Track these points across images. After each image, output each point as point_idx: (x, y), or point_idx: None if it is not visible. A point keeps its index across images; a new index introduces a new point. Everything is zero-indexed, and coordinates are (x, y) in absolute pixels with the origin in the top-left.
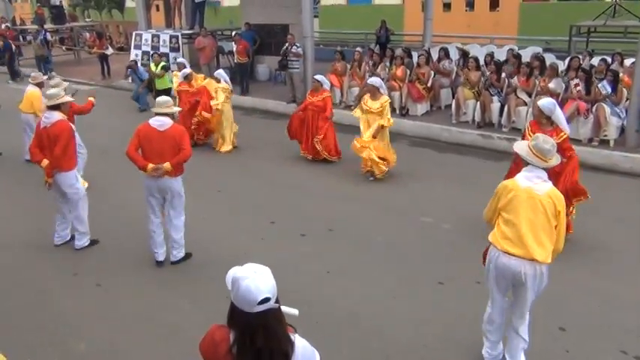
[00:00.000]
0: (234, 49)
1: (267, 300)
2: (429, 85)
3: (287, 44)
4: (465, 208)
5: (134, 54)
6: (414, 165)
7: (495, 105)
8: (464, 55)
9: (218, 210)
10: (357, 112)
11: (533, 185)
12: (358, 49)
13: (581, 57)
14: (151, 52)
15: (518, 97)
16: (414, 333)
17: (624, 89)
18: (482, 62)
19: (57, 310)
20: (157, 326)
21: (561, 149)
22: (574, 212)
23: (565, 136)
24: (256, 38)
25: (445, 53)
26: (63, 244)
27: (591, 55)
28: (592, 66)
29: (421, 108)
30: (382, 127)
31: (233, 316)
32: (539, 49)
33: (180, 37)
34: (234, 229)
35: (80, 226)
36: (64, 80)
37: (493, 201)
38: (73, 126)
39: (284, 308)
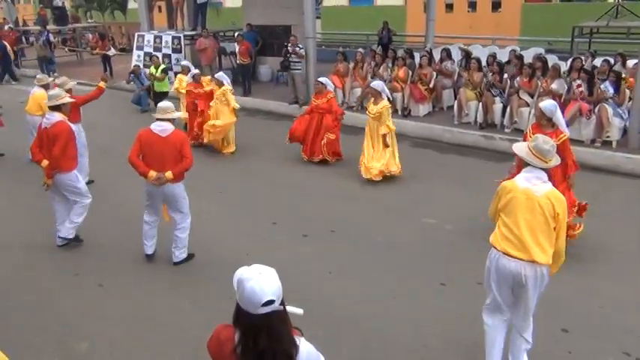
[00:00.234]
0: (237, 50)
1: (271, 302)
2: (431, 85)
3: (289, 44)
4: (467, 209)
5: (136, 55)
6: (415, 166)
7: (497, 106)
8: (466, 55)
9: (219, 211)
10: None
11: (531, 186)
12: (360, 50)
13: (583, 58)
14: (151, 55)
15: (520, 98)
16: (414, 333)
17: (627, 90)
18: (484, 63)
19: (58, 310)
20: (158, 326)
21: (561, 151)
22: (581, 227)
23: (565, 138)
24: (258, 39)
25: (447, 54)
26: (64, 244)
27: (594, 55)
28: (594, 67)
29: (423, 109)
30: (384, 135)
31: (238, 317)
32: (541, 50)
33: (182, 38)
34: (235, 230)
35: (76, 217)
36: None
37: (494, 201)
38: (76, 126)
39: (288, 308)
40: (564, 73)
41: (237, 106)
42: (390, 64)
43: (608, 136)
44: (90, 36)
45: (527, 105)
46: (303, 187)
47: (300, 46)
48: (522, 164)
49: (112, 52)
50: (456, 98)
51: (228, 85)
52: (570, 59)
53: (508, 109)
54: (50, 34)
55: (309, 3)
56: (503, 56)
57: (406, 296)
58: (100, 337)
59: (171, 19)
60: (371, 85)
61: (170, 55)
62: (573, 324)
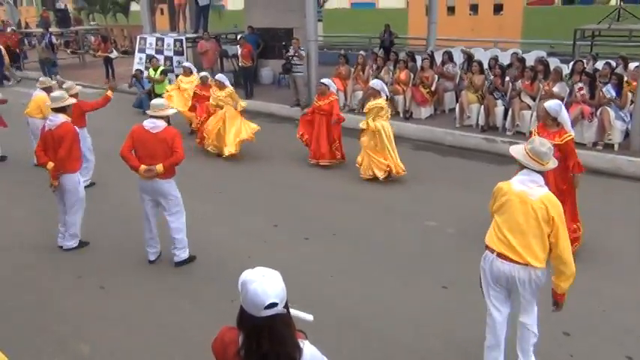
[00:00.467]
0: (239, 52)
1: (274, 305)
2: (432, 88)
3: (291, 47)
4: (469, 212)
5: (138, 57)
6: (417, 168)
7: (499, 109)
8: (468, 58)
9: (220, 211)
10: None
11: (527, 190)
12: (362, 52)
13: (585, 61)
14: (151, 57)
15: (522, 101)
16: (414, 333)
17: (629, 93)
18: (486, 66)
19: (58, 311)
20: (158, 327)
21: (566, 152)
22: (581, 230)
23: (570, 138)
24: (260, 42)
25: (449, 57)
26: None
27: (595, 58)
28: (596, 70)
29: (425, 111)
30: (369, 130)
31: (242, 319)
32: (543, 53)
33: (184, 40)
34: (235, 231)
35: (72, 228)
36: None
37: (491, 201)
38: (82, 131)
39: (297, 313)
40: (566, 76)
41: (245, 104)
42: (391, 67)
43: (610, 139)
44: (92, 38)
45: (529, 108)
46: (304, 188)
47: (302, 48)
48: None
49: (114, 54)
50: (457, 101)
51: (230, 87)
52: (572, 62)
53: (510, 112)
54: (53, 37)
55: (311, 6)
56: (505, 59)
57: (407, 297)
58: (101, 338)
59: (173, 21)
60: (370, 84)
61: (172, 57)
62: (575, 326)
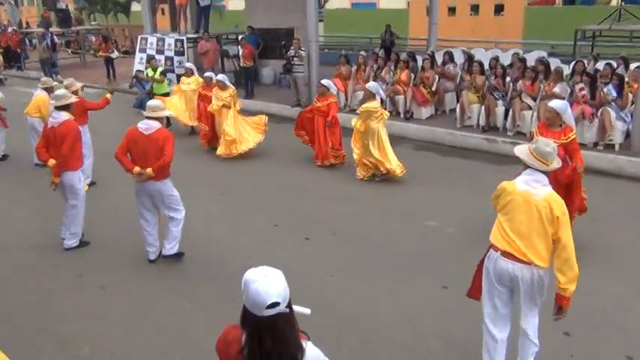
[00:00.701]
0: (240, 52)
1: (276, 304)
2: (433, 89)
3: (291, 47)
4: (469, 212)
5: (139, 57)
6: (418, 169)
7: (500, 109)
8: (469, 58)
9: (221, 211)
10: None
11: (531, 189)
12: (362, 53)
13: (586, 61)
14: (151, 58)
15: (522, 102)
16: (414, 333)
17: (630, 93)
18: (487, 66)
19: (58, 311)
20: (158, 326)
21: (570, 150)
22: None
23: (573, 137)
24: (260, 42)
25: (450, 57)
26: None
27: (596, 59)
28: (597, 70)
29: (425, 112)
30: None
31: (245, 318)
32: (544, 53)
33: (185, 40)
34: (236, 231)
35: (73, 227)
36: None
37: (494, 199)
38: (82, 128)
39: (296, 308)
40: (567, 76)
41: (240, 106)
42: (392, 68)
43: (610, 140)
44: (93, 38)
45: (530, 108)
46: (305, 188)
47: (303, 48)
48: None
49: (115, 54)
50: (458, 101)
51: (232, 87)
52: (573, 62)
53: (510, 113)
54: (54, 36)
55: (312, 6)
56: (505, 59)
57: (407, 296)
58: (101, 338)
59: (174, 21)
60: (366, 85)
61: (172, 57)
62: (575, 327)
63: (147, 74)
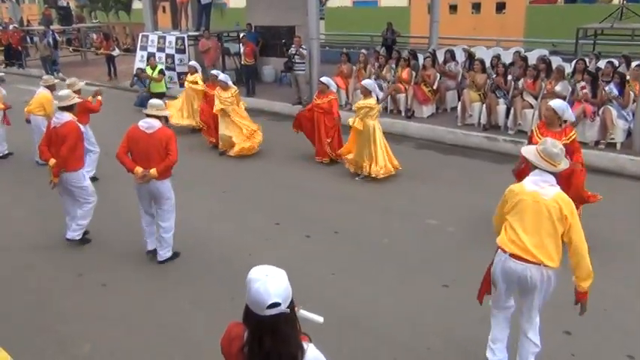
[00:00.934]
0: (242, 50)
1: (277, 304)
2: (434, 87)
3: (292, 45)
4: (470, 211)
5: (140, 55)
6: (419, 167)
7: (501, 107)
8: (470, 57)
9: (222, 210)
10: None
11: (539, 190)
12: (364, 51)
13: (587, 59)
14: (148, 56)
15: (524, 100)
16: (415, 333)
17: (631, 92)
18: (488, 64)
19: (59, 311)
20: (158, 326)
21: (571, 150)
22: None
23: (575, 137)
24: (259, 39)
25: (451, 55)
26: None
27: (598, 57)
28: (598, 69)
29: (427, 110)
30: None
31: (247, 316)
32: (545, 52)
33: (186, 38)
34: (237, 230)
35: (83, 219)
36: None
37: (500, 207)
38: (83, 127)
39: (307, 314)
40: (568, 74)
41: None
42: (393, 66)
43: (612, 138)
44: (94, 36)
45: (531, 107)
46: (306, 187)
47: (304, 46)
48: (530, 166)
49: (116, 52)
50: (459, 100)
51: (234, 86)
52: (574, 61)
53: (512, 111)
54: (55, 34)
55: (313, 4)
56: (507, 58)
57: (407, 295)
58: (101, 338)
59: (175, 19)
60: (362, 83)
61: (174, 55)
62: (576, 326)
63: (145, 72)
